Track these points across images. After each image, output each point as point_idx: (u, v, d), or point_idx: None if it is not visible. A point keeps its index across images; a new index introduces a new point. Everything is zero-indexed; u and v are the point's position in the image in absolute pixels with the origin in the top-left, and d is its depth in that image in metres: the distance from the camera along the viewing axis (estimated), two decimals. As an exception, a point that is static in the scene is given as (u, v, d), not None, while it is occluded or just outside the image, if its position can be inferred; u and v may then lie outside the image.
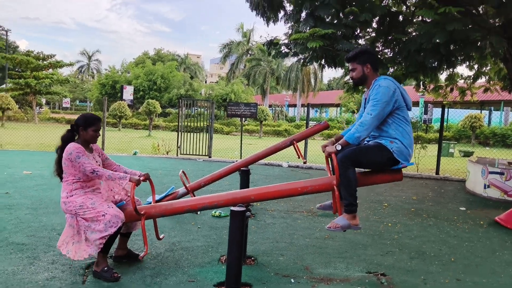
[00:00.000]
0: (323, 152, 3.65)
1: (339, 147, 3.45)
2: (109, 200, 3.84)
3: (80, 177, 3.73)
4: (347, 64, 3.71)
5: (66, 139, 3.84)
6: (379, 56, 9.39)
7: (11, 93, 31.65)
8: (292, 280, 3.75)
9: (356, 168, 3.51)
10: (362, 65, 3.59)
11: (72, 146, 3.71)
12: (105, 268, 3.68)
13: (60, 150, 3.83)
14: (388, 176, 3.66)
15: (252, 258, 4.27)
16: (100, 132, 4.01)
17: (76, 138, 3.88)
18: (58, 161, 3.86)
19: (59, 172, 3.87)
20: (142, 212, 3.74)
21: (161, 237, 4.05)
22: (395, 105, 3.45)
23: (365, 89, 3.72)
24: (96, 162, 3.89)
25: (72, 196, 3.71)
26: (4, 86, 40.29)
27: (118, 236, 3.95)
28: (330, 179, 3.64)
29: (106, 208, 3.64)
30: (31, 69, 33.14)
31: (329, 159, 3.76)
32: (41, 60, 34.55)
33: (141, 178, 3.77)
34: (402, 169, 3.61)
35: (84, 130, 3.81)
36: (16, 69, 36.57)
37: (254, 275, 3.82)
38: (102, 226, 3.59)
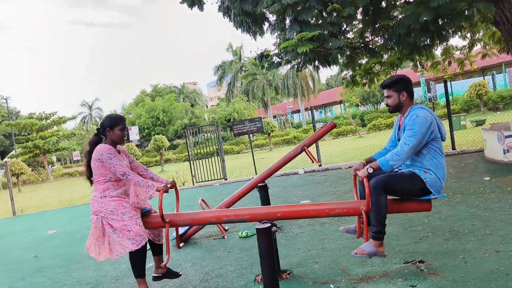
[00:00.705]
0: (353, 175, 3.70)
1: (370, 170, 3.45)
2: (138, 211, 3.83)
3: (111, 177, 3.75)
4: (383, 90, 3.74)
5: (94, 143, 3.86)
6: (370, 45, 9.38)
7: (22, 158, 32.12)
8: (332, 286, 3.70)
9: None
10: (398, 93, 3.61)
11: (103, 147, 3.73)
12: None
13: (88, 154, 3.84)
14: (416, 205, 3.62)
15: (288, 272, 4.22)
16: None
17: (103, 141, 3.89)
18: (87, 164, 3.87)
19: (89, 175, 3.89)
20: (167, 220, 3.77)
21: (180, 245, 4.08)
22: (431, 136, 3.45)
23: (400, 116, 3.72)
24: (125, 163, 3.90)
25: (105, 196, 3.72)
26: (14, 152, 40.94)
27: (153, 256, 4.06)
28: (358, 203, 3.62)
29: (133, 224, 3.66)
30: (37, 130, 33.65)
31: (357, 182, 3.82)
32: (44, 120, 35.08)
33: (169, 186, 3.79)
34: (432, 200, 3.59)
35: (111, 131, 3.82)
36: (22, 133, 37.20)
37: (293, 289, 3.78)
38: (126, 240, 3.63)
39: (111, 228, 3.68)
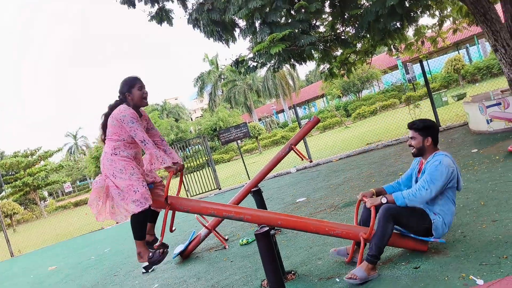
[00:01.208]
0: (359, 199, 3.82)
1: (384, 200, 3.58)
2: (144, 177, 3.82)
3: (125, 138, 3.69)
4: (408, 130, 3.85)
5: (113, 107, 3.78)
6: (342, 37, 9.46)
7: (13, 197, 31.74)
8: (337, 280, 3.71)
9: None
10: (423, 137, 3.68)
11: (127, 109, 3.65)
12: (150, 255, 3.77)
13: (105, 116, 3.79)
14: (414, 244, 3.70)
15: (292, 272, 4.22)
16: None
17: None
18: (103, 125, 3.81)
19: (104, 136, 3.82)
20: (169, 202, 3.81)
21: (173, 229, 4.12)
22: (449, 185, 3.55)
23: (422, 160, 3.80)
24: (144, 127, 3.85)
25: (116, 154, 3.67)
26: (3, 193, 40.39)
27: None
28: (359, 229, 3.70)
29: (140, 186, 3.62)
30: (24, 168, 33.29)
31: (359, 207, 3.95)
32: (30, 156, 34.71)
33: (178, 168, 3.85)
34: (429, 242, 3.70)
35: (130, 94, 3.74)
36: (10, 173, 36.71)
37: (300, 288, 3.78)
38: (130, 203, 3.59)
39: (117, 189, 3.62)
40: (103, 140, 3.86)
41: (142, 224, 3.77)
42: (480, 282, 2.92)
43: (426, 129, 3.68)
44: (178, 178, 4.16)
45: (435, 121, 11.34)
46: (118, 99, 3.84)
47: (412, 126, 3.75)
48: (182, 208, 3.93)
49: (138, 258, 3.83)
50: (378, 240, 3.48)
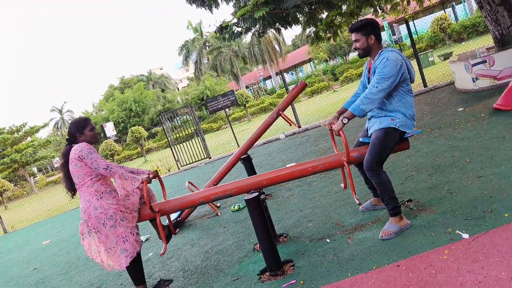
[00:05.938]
0: (329, 129, 3.73)
1: (345, 121, 3.48)
2: (135, 216, 3.73)
3: (98, 174, 3.56)
4: (351, 34, 3.69)
5: (67, 153, 3.65)
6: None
7: (1, 175, 31.49)
8: (328, 240, 3.79)
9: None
10: (366, 36, 3.58)
11: (80, 145, 3.54)
12: None
13: (65, 165, 3.64)
14: (396, 147, 3.67)
15: (284, 235, 4.30)
16: None
17: None
18: (66, 176, 3.66)
19: (70, 186, 3.68)
20: (156, 209, 3.77)
21: (176, 231, 4.10)
22: (401, 79, 3.46)
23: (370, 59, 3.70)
24: None
25: (102, 198, 3.53)
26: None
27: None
28: (339, 155, 3.66)
29: (128, 234, 3.58)
30: (10, 145, 32.93)
31: (334, 137, 3.85)
32: (16, 133, 34.27)
33: (151, 176, 3.76)
34: (408, 138, 3.66)
35: (81, 135, 3.65)
36: (-3, 151, 36.32)
37: (291, 250, 3.86)
38: (119, 251, 3.55)
39: (106, 239, 3.55)
40: (70, 190, 3.71)
41: (135, 270, 3.69)
42: (465, 236, 3.00)
43: (366, 27, 3.60)
44: (160, 185, 4.08)
45: (421, 81, 11.36)
46: (67, 142, 3.72)
47: (352, 29, 3.67)
48: (172, 209, 3.88)
49: None
50: (383, 192, 3.48)
